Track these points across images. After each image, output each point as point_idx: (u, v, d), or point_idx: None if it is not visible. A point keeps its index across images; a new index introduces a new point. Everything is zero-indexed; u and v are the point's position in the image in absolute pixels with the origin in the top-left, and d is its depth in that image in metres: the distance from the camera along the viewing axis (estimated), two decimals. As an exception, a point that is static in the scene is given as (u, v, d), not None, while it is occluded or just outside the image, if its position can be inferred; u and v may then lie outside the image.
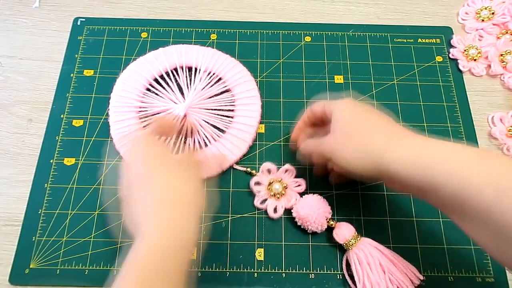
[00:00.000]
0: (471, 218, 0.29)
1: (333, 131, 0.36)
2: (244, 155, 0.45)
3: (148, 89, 0.48)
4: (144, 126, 0.45)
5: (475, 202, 0.27)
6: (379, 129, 0.34)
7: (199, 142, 0.45)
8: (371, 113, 0.36)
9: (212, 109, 0.47)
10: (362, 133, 0.34)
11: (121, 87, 0.47)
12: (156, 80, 0.48)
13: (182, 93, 0.47)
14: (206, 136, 0.45)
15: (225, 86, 0.48)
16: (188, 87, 0.47)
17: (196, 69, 0.48)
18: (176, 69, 0.49)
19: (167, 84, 0.48)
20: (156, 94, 0.47)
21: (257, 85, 0.49)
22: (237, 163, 0.45)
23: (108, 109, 0.46)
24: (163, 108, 0.46)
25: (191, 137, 0.45)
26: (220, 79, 0.48)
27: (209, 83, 0.48)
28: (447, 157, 0.30)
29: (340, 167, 0.35)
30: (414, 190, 0.33)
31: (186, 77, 0.48)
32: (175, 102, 0.46)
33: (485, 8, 0.54)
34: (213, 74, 0.48)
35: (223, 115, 0.46)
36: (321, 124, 0.41)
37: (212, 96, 0.47)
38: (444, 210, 0.32)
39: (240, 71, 0.49)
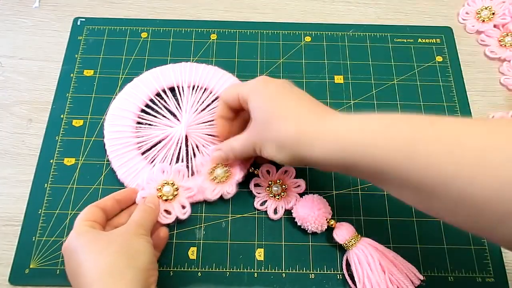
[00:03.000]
0: (393, 183, 0.29)
1: (253, 122, 0.36)
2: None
3: (138, 122, 0.46)
4: (150, 162, 0.44)
5: (391, 169, 0.28)
6: (288, 115, 0.33)
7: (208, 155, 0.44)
8: (282, 94, 0.35)
9: (209, 121, 0.46)
10: (276, 122, 0.34)
11: (111, 129, 0.45)
12: (143, 111, 0.46)
13: (174, 115, 0.46)
14: None
15: (214, 95, 0.47)
16: (177, 108, 0.46)
17: (178, 87, 0.48)
18: (159, 94, 0.47)
19: (156, 111, 0.46)
20: (150, 124, 0.46)
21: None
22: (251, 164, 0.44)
23: (107, 155, 0.44)
24: (162, 135, 0.45)
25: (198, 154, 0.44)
26: (205, 89, 0.48)
27: (197, 96, 0.47)
28: (356, 130, 0.30)
29: (271, 159, 0.35)
30: (334, 168, 0.34)
31: (171, 98, 0.47)
32: (170, 126, 0.45)
33: (485, 8, 0.54)
34: (198, 86, 0.48)
35: None
36: (241, 109, 0.40)
37: (205, 108, 0.47)
38: (369, 181, 0.33)
39: (222, 76, 0.48)
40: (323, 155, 0.31)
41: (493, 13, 0.54)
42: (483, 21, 0.54)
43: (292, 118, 0.33)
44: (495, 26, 0.53)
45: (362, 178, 0.33)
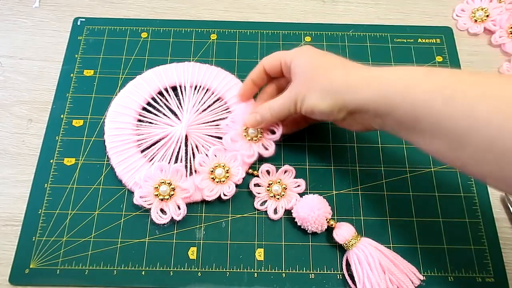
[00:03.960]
0: (427, 131, 0.31)
1: (296, 78, 0.39)
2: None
3: (139, 120, 0.46)
4: (149, 160, 0.44)
5: (428, 114, 0.30)
6: (338, 66, 0.37)
7: (207, 156, 0.43)
8: (328, 54, 0.39)
9: (210, 122, 0.46)
10: (324, 73, 0.37)
11: (112, 126, 0.45)
12: (144, 109, 0.46)
13: (175, 115, 0.46)
14: None
15: (215, 95, 0.47)
16: (179, 107, 0.46)
17: (180, 86, 0.48)
18: (161, 93, 0.47)
19: (157, 109, 0.46)
20: (150, 122, 0.46)
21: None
22: (250, 166, 0.44)
23: (107, 152, 0.44)
24: (162, 134, 0.45)
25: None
26: (207, 90, 0.48)
27: (198, 96, 0.47)
28: (400, 77, 0.33)
29: (310, 111, 0.38)
30: (372, 115, 0.34)
31: (173, 97, 0.47)
32: (171, 125, 0.45)
33: (481, 9, 0.54)
34: (200, 87, 0.48)
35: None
36: (277, 76, 0.43)
37: (206, 109, 0.47)
38: (402, 131, 0.34)
39: (225, 77, 0.48)
40: (365, 100, 0.34)
41: (487, 15, 0.54)
42: (476, 21, 0.54)
43: (341, 68, 0.37)
44: (485, 29, 0.53)
45: (395, 129, 0.34)
